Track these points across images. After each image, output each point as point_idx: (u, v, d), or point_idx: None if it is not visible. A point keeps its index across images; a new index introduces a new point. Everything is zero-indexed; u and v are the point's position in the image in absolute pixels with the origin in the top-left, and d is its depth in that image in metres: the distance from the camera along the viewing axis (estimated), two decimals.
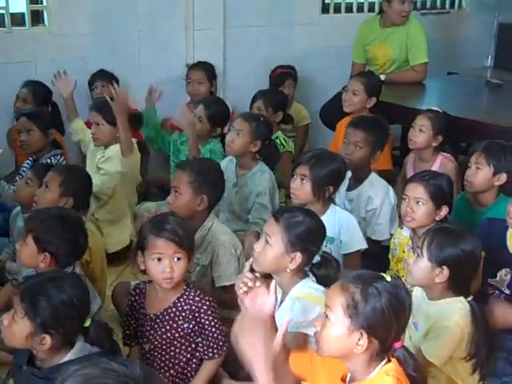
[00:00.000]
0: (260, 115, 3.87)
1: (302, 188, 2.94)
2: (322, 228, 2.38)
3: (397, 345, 1.77)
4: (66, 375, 1.31)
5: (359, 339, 1.72)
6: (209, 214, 2.97)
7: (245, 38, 5.09)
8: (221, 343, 2.42)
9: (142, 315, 2.48)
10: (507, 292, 2.68)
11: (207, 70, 4.55)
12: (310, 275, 2.34)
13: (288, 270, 2.28)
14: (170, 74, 4.71)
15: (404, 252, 2.95)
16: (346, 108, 4.13)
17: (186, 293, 2.42)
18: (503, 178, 3.08)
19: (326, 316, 1.77)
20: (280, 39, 5.21)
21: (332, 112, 4.55)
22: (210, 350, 2.43)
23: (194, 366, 2.47)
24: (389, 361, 1.77)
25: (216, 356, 2.43)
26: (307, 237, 2.29)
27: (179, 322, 2.41)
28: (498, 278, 2.70)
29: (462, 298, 2.33)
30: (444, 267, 2.30)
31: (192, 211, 2.90)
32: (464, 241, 2.34)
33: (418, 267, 2.36)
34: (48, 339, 1.96)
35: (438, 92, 5.03)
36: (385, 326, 1.72)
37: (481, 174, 3.09)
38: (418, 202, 2.79)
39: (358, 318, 1.72)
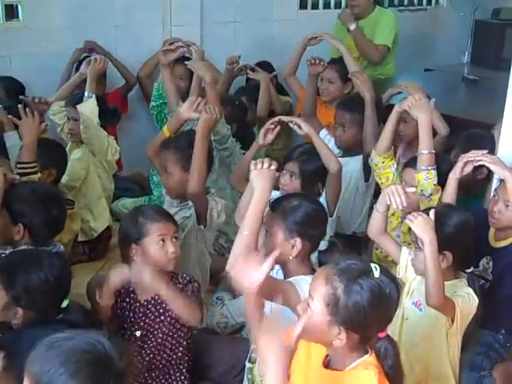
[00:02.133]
0: (236, 99, 3.90)
1: (291, 184, 2.95)
2: (321, 211, 2.35)
3: (381, 334, 1.73)
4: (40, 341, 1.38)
5: (338, 334, 1.69)
6: None
7: (222, 34, 5.06)
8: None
9: (133, 301, 2.46)
10: (490, 278, 2.70)
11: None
12: None
13: (291, 258, 2.23)
14: None
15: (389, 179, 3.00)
16: (324, 97, 4.12)
17: (175, 276, 2.45)
18: None
19: (308, 304, 1.74)
20: (258, 35, 5.19)
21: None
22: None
23: (179, 354, 2.48)
24: (368, 353, 1.74)
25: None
26: (305, 221, 2.25)
27: (167, 308, 2.41)
28: (480, 268, 2.71)
29: (463, 280, 2.34)
30: (445, 252, 2.29)
31: (183, 187, 2.86)
32: (451, 217, 2.35)
33: (419, 261, 2.31)
34: (20, 312, 1.99)
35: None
36: (365, 323, 1.69)
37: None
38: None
39: (337, 315, 1.68)
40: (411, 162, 2.91)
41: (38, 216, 2.49)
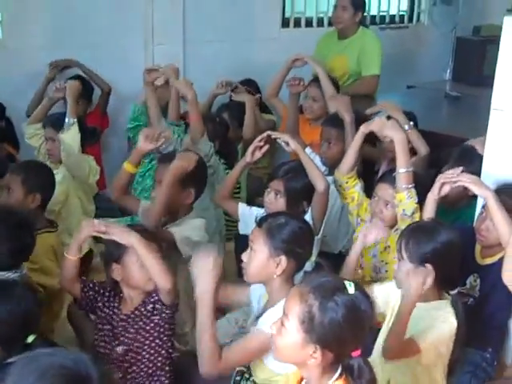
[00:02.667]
0: (216, 116, 3.89)
1: (276, 203, 2.91)
2: (308, 230, 2.32)
3: (354, 354, 1.70)
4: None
5: (313, 352, 1.67)
6: (190, 209, 2.93)
7: (204, 53, 5.06)
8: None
9: (114, 315, 2.43)
10: (477, 296, 2.68)
11: None
12: None
13: (275, 276, 2.19)
14: (129, 90, 4.64)
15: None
16: (308, 115, 4.11)
17: (152, 293, 2.41)
18: None
19: (282, 323, 1.72)
20: (240, 54, 5.19)
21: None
22: None
23: (159, 364, 2.44)
24: (341, 374, 1.71)
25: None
26: (291, 239, 2.21)
27: (146, 321, 2.39)
28: (468, 286, 2.69)
29: (446, 301, 2.31)
30: (427, 265, 2.26)
31: (178, 205, 2.84)
32: (439, 233, 2.32)
33: (401, 272, 2.31)
34: None
35: (399, 105, 5.05)
36: (341, 340, 1.67)
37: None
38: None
39: (313, 332, 1.66)
40: (385, 177, 2.89)
41: (7, 245, 2.43)
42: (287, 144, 2.96)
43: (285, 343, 1.71)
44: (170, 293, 2.31)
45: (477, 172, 2.95)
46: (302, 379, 1.81)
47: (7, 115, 4.09)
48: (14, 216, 2.51)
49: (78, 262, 2.43)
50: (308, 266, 2.37)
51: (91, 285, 2.47)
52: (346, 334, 1.65)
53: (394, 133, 2.79)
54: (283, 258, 2.18)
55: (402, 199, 2.68)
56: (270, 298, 2.24)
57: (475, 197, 2.97)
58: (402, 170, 2.70)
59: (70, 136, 3.46)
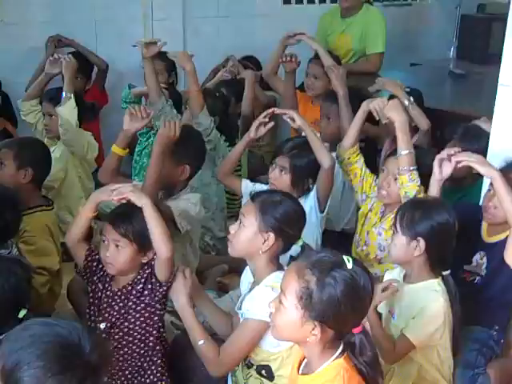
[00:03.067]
0: (216, 91, 3.85)
1: (280, 179, 2.86)
2: (300, 213, 2.25)
3: (355, 330, 1.68)
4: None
5: (313, 329, 1.65)
6: (186, 185, 2.87)
7: (205, 29, 5.00)
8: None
9: (104, 289, 2.40)
10: (483, 274, 2.64)
11: (166, 60, 4.41)
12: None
13: (261, 253, 2.15)
14: (127, 65, 4.57)
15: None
16: (309, 93, 4.05)
17: (141, 273, 2.35)
18: None
19: (280, 300, 1.69)
20: (241, 30, 5.13)
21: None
22: None
23: (151, 344, 2.39)
24: (343, 352, 1.69)
25: None
26: (282, 218, 2.16)
27: (134, 300, 2.34)
28: (474, 263, 2.65)
29: (439, 280, 2.29)
30: (419, 239, 2.26)
31: (174, 181, 2.79)
32: (437, 211, 2.30)
33: (394, 244, 2.33)
34: None
35: (402, 82, 4.98)
36: (340, 316, 1.64)
37: None
38: None
39: (311, 309, 1.63)
40: (394, 152, 2.82)
41: None
42: (293, 120, 2.91)
43: (284, 321, 1.69)
44: (167, 264, 2.26)
45: (482, 150, 2.91)
46: (303, 358, 1.78)
47: (4, 91, 4.02)
48: None
49: (89, 223, 2.39)
50: (294, 251, 2.27)
51: (96, 255, 2.41)
52: (345, 309, 1.63)
53: (395, 114, 2.74)
54: (271, 235, 2.14)
55: (404, 181, 2.65)
56: (255, 276, 2.21)
57: (481, 175, 2.95)
58: (404, 151, 2.65)
59: (67, 110, 3.41)
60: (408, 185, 2.64)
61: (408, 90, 3.57)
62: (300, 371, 1.78)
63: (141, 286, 2.34)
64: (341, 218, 3.47)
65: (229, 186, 3.27)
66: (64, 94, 3.50)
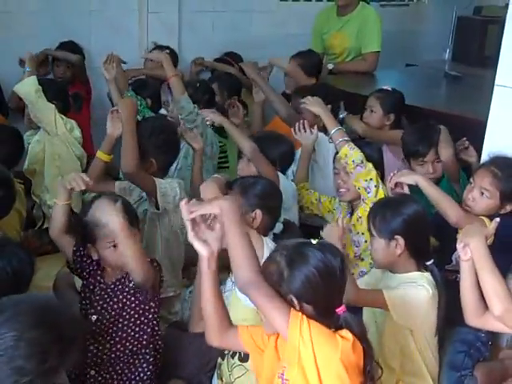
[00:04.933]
0: (196, 81, 3.92)
1: (247, 169, 2.96)
2: (275, 186, 2.47)
3: (339, 310, 1.71)
4: None
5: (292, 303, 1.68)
6: (162, 178, 2.83)
7: (200, 23, 4.96)
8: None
9: (97, 282, 2.38)
10: None
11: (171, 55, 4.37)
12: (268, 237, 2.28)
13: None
14: (122, 56, 4.50)
15: None
16: (287, 89, 4.13)
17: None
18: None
19: None
20: (237, 26, 5.11)
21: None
22: None
23: (144, 342, 2.37)
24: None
25: None
26: (264, 194, 2.35)
27: (128, 291, 2.32)
28: (454, 262, 2.65)
29: (425, 274, 2.30)
30: (397, 237, 2.29)
31: (144, 176, 2.75)
32: (404, 205, 2.35)
33: (374, 249, 2.37)
34: None
35: (397, 82, 4.95)
36: (314, 291, 1.68)
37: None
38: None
39: (285, 286, 1.69)
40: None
41: None
42: (213, 122, 3.23)
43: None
44: (144, 281, 2.24)
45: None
46: None
47: None
48: None
49: (69, 210, 2.37)
50: (277, 229, 2.42)
51: (83, 251, 2.39)
52: (316, 283, 1.67)
53: (314, 107, 3.09)
54: (258, 212, 2.29)
55: (346, 152, 2.78)
56: None
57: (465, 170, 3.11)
58: (333, 129, 2.89)
59: (25, 83, 3.31)
60: (351, 153, 2.77)
61: (389, 89, 3.68)
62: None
63: (133, 283, 2.30)
64: None
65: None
66: (26, 69, 3.49)
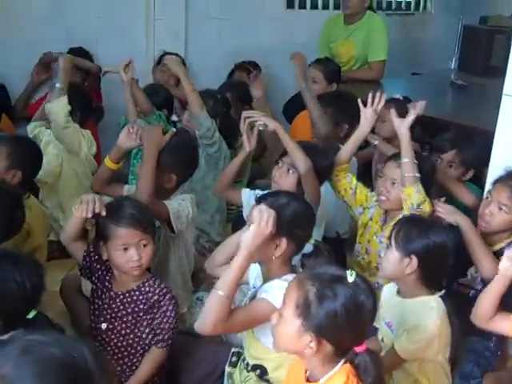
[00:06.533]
0: (217, 92, 3.80)
1: (286, 178, 2.79)
2: (309, 212, 2.20)
3: (358, 349, 1.64)
4: (12, 337, 1.27)
5: (310, 341, 1.62)
6: (176, 190, 2.79)
7: (207, 30, 4.96)
8: (168, 336, 2.29)
9: (106, 289, 2.36)
10: (479, 288, 2.59)
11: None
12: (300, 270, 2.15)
13: (274, 258, 2.07)
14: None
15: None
16: None
17: (151, 281, 2.32)
18: None
19: (280, 312, 1.68)
20: (243, 33, 5.10)
21: (295, 109, 4.43)
22: (157, 338, 2.30)
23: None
24: (350, 364, 1.64)
25: (160, 345, 2.30)
26: (292, 221, 2.08)
27: (140, 306, 2.30)
28: (468, 277, 2.63)
29: (435, 297, 2.23)
30: (412, 257, 2.21)
31: (160, 188, 2.70)
32: (434, 232, 2.26)
33: (386, 259, 2.29)
34: None
35: (403, 91, 4.97)
36: (338, 331, 1.61)
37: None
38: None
39: (308, 320, 1.61)
40: (392, 157, 2.82)
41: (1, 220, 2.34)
42: (265, 126, 2.82)
43: (282, 331, 1.68)
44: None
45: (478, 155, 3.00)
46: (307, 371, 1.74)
47: (1, 83, 3.97)
48: (8, 191, 2.44)
49: (84, 223, 2.35)
50: (307, 249, 2.22)
51: (95, 256, 2.37)
52: (342, 324, 1.59)
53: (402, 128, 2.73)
54: (283, 240, 2.05)
55: (411, 193, 2.62)
56: (266, 280, 2.14)
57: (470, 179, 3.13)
58: (405, 159, 2.64)
59: (57, 106, 3.27)
60: (414, 196, 2.61)
61: (401, 97, 3.62)
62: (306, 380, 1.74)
63: (151, 294, 2.28)
64: (334, 223, 3.42)
65: (229, 200, 3.25)
66: (56, 85, 3.32)
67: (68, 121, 3.30)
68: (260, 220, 1.90)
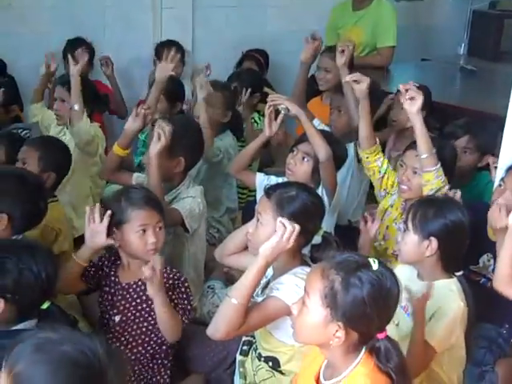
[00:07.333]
0: (229, 84, 3.78)
1: (301, 166, 2.79)
2: (319, 204, 2.18)
3: (380, 335, 1.63)
4: (24, 336, 1.27)
5: (337, 331, 1.60)
6: (185, 177, 2.80)
7: (214, 19, 4.94)
8: (186, 314, 2.30)
9: (113, 283, 2.36)
10: (491, 276, 2.56)
11: (180, 50, 4.33)
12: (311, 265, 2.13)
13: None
14: (135, 52, 4.53)
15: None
16: (322, 86, 3.97)
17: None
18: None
19: (304, 302, 1.65)
20: (251, 21, 5.08)
21: (306, 95, 4.41)
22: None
23: (164, 347, 2.35)
24: (369, 354, 1.63)
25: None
26: (302, 213, 2.06)
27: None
28: (480, 265, 2.61)
29: (455, 280, 2.21)
30: (432, 238, 2.18)
31: (169, 173, 2.71)
32: (450, 210, 2.23)
33: (404, 243, 2.24)
34: (1, 304, 1.85)
35: (412, 77, 4.93)
36: (365, 319, 1.59)
37: None
38: None
39: (336, 310, 1.59)
40: (412, 146, 2.76)
41: (22, 208, 2.32)
42: (288, 110, 2.82)
43: (307, 322, 1.65)
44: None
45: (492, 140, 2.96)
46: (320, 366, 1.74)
47: (11, 74, 3.97)
48: (31, 179, 2.44)
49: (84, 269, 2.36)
50: (316, 240, 2.20)
51: (91, 271, 2.39)
52: (370, 311, 1.58)
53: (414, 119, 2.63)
54: None
55: (430, 179, 2.60)
56: (275, 272, 2.13)
57: (481, 169, 3.07)
58: (424, 155, 2.59)
59: (82, 129, 3.27)
60: (433, 182, 2.59)
61: (417, 85, 3.53)
62: (321, 375, 1.73)
63: (170, 282, 2.28)
64: (346, 210, 3.42)
65: (242, 181, 3.25)
66: (74, 107, 3.24)
67: (90, 135, 3.32)
68: (282, 233, 1.87)
